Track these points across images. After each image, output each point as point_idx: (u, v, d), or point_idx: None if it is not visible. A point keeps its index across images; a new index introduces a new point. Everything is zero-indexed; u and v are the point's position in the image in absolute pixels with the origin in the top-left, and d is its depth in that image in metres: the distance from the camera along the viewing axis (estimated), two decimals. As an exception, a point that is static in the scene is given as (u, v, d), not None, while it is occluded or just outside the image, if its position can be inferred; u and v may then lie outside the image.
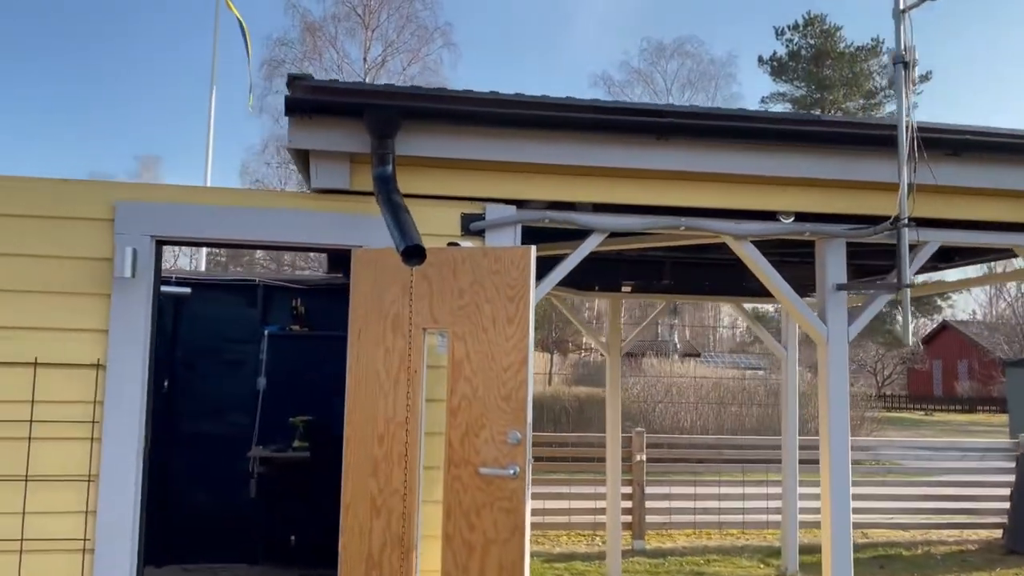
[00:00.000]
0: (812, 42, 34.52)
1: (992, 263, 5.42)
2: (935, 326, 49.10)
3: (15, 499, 3.37)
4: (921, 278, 6.91)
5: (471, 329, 3.50)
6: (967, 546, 8.92)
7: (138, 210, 3.57)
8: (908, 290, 3.81)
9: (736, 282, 7.48)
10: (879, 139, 3.92)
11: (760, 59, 35.83)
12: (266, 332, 6.88)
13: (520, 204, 3.90)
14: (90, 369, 3.47)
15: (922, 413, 34.54)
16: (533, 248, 3.48)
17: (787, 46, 35.27)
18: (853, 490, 8.88)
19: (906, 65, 3.83)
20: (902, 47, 3.86)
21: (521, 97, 3.73)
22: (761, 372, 23.08)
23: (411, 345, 3.58)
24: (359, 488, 3.60)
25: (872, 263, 5.72)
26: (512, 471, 3.40)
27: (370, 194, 3.74)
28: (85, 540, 3.40)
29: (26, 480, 3.38)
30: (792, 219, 4.15)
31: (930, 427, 28.61)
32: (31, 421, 3.40)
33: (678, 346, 34.55)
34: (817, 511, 8.82)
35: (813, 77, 34.07)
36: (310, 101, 3.52)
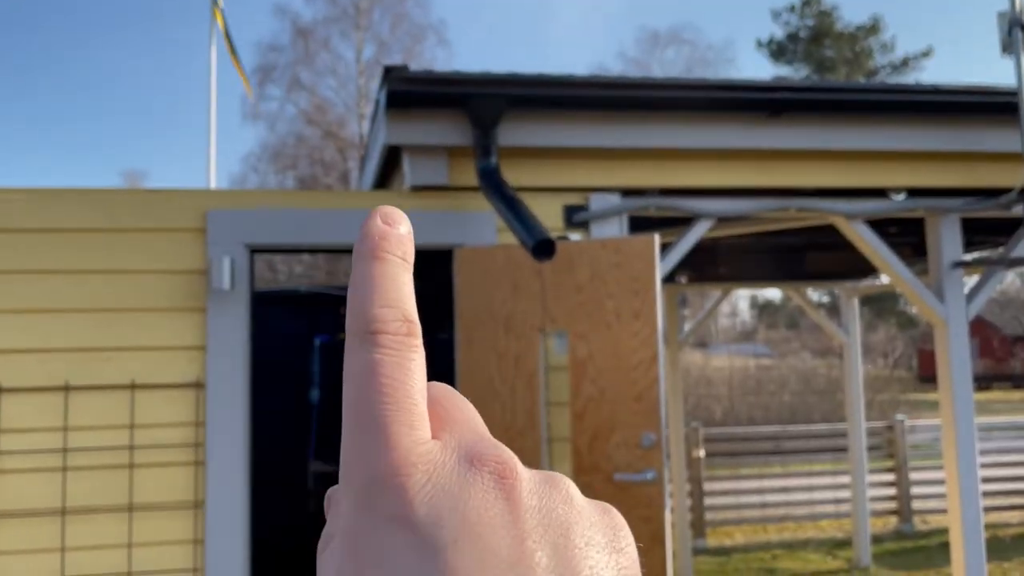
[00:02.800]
0: (810, 23, 34.28)
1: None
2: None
3: (120, 530, 3.14)
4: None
5: (593, 326, 3.28)
6: (1020, 529, 8.74)
7: (231, 218, 3.35)
8: (1042, 264, 3.60)
9: (793, 266, 7.28)
10: (995, 106, 3.71)
11: (759, 42, 35.57)
12: (317, 342, 6.66)
13: (625, 192, 3.69)
14: (189, 389, 3.24)
15: (936, 394, 34.35)
16: (656, 237, 3.26)
17: (785, 28, 35.03)
18: (913, 475, 8.68)
19: (1023, 27, 3.63)
20: (1017, 9, 3.65)
21: (624, 79, 3.54)
22: (768, 360, 22.91)
23: (527, 347, 3.36)
24: (477, 502, 3.38)
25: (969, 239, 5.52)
26: (649, 476, 3.18)
27: (469, 189, 3.53)
28: (195, 571, 3.17)
29: (130, 510, 3.16)
30: (904, 196, 3.94)
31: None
32: (131, 447, 3.18)
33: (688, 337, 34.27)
34: (878, 499, 8.64)
35: (813, 58, 33.83)
36: (409, 93, 3.31)
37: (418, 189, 3.55)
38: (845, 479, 8.23)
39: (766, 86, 3.59)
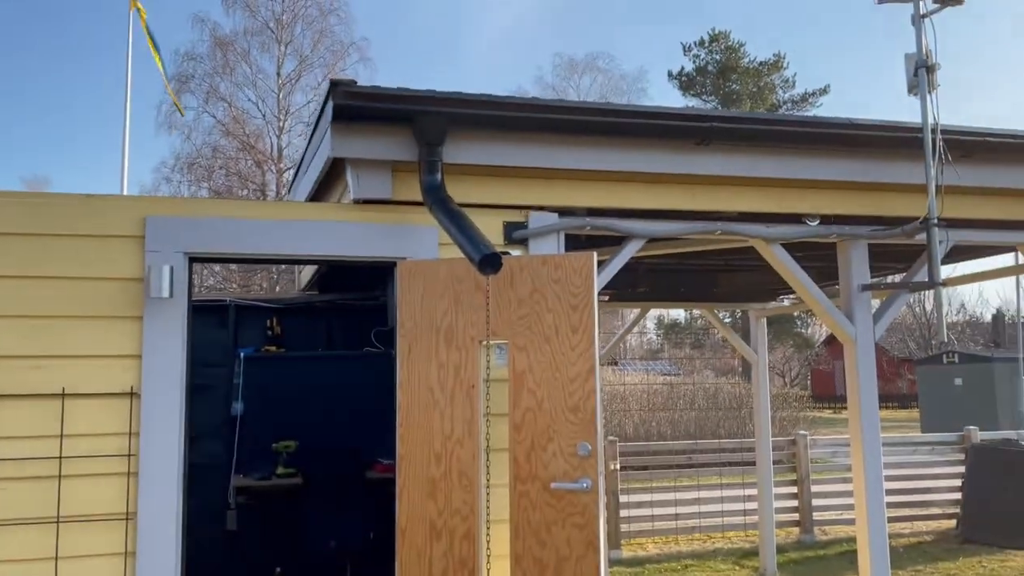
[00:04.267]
0: (718, 58, 35.75)
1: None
2: (836, 328, 51.30)
3: (46, 543, 3.05)
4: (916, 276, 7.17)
5: (533, 340, 3.39)
6: (923, 537, 9.27)
7: (171, 225, 3.32)
8: (941, 287, 3.92)
9: (706, 288, 7.60)
10: (902, 141, 4.03)
11: (669, 74, 36.87)
12: (241, 355, 6.55)
13: (562, 212, 3.83)
14: (123, 398, 3.19)
15: (831, 412, 35.93)
16: (595, 254, 3.40)
17: (694, 61, 36.42)
18: (813, 488, 9.11)
19: (928, 69, 3.96)
20: (923, 52, 3.98)
21: (564, 103, 3.68)
22: (674, 377, 23.63)
23: (467, 359, 3.44)
24: (415, 511, 3.43)
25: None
26: (584, 484, 3.30)
27: (413, 204, 3.60)
28: (126, 584, 3.11)
29: (57, 522, 3.07)
30: (818, 222, 4.22)
31: (843, 424, 29.78)
32: (60, 457, 3.09)
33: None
34: (782, 511, 9.02)
35: (720, 91, 35.27)
36: (356, 107, 3.36)
37: (362, 202, 3.59)
38: (752, 491, 8.56)
39: (695, 115, 3.81)
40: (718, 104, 35.21)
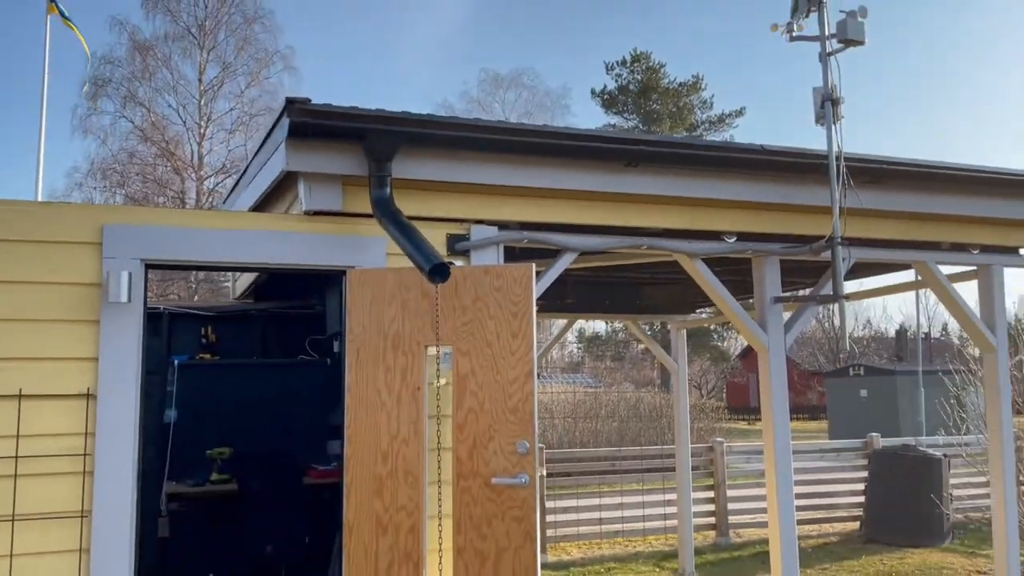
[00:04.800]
0: (639, 77, 36.77)
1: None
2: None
3: (2, 540, 3.12)
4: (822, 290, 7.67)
5: (475, 345, 3.63)
6: (829, 538, 9.84)
7: (127, 233, 3.43)
8: (844, 300, 4.32)
9: (632, 300, 7.97)
10: (810, 167, 4.43)
11: (593, 92, 37.72)
12: (175, 362, 6.57)
13: (501, 225, 4.08)
14: (79, 400, 3.28)
15: (745, 423, 37.14)
16: (533, 266, 3.67)
17: (616, 80, 37.38)
18: (729, 493, 9.57)
19: (834, 102, 4.37)
20: (829, 86, 4.40)
21: (504, 124, 3.94)
22: (594, 389, 24.21)
23: (413, 363, 3.65)
24: (363, 508, 3.61)
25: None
26: (523, 480, 3.54)
27: (362, 216, 3.80)
28: (80, 581, 3.20)
29: (13, 520, 3.14)
30: (735, 239, 4.59)
31: (757, 435, 30.85)
32: (16, 457, 3.17)
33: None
34: (699, 515, 9.45)
35: (641, 110, 36.28)
36: (310, 125, 3.54)
37: (313, 214, 3.77)
38: (672, 496, 8.96)
39: (625, 139, 4.12)
40: (639, 122, 36.21)
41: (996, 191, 4.95)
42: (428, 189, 3.94)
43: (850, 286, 5.23)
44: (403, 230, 3.45)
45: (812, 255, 4.53)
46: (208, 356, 6.69)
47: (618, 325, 36.75)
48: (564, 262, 4.19)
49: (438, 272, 3.25)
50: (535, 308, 3.65)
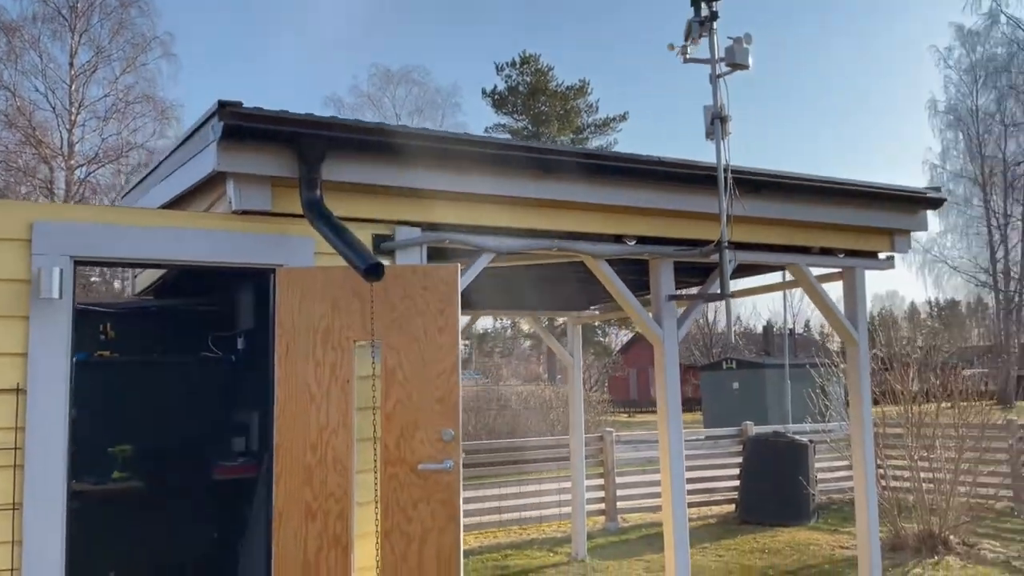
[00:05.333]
0: (528, 79, 37.45)
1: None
2: (630, 337, 55.04)
3: (-69, 537, 3.12)
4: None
5: (404, 340, 3.86)
6: (708, 520, 10.53)
7: (57, 230, 3.47)
8: (730, 298, 4.80)
9: (533, 297, 8.33)
10: (701, 178, 4.88)
11: (483, 91, 38.14)
12: (74, 359, 6.43)
13: (425, 227, 4.31)
14: (10, 395, 3.31)
15: (626, 416, 38.51)
16: (458, 266, 3.93)
17: (506, 81, 37.94)
18: (618, 480, 10.09)
19: (722, 120, 4.84)
20: (717, 105, 4.86)
21: (428, 132, 4.19)
22: (483, 382, 24.74)
23: (343, 357, 3.84)
24: (292, 495, 3.78)
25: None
26: (448, 465, 3.80)
27: (291, 216, 3.95)
28: (12, 571, 3.23)
29: (-57, 515, 3.15)
30: (635, 242, 4.99)
31: (639, 426, 32.06)
32: (-55, 452, 3.18)
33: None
34: (590, 501, 9.93)
35: (530, 111, 36.98)
36: (242, 128, 3.67)
37: (241, 213, 3.89)
38: (567, 484, 9.39)
39: (541, 148, 4.44)
40: (528, 123, 36.89)
41: (857, 202, 5.56)
42: (354, 191, 4.13)
43: (733, 285, 5.72)
44: (336, 231, 3.64)
45: (702, 257, 4.99)
46: (107, 353, 6.58)
47: (507, 322, 37.36)
48: (482, 262, 4.46)
49: (373, 271, 3.46)
50: (460, 306, 3.91)
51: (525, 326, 40.66)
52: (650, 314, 5.07)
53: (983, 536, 8.85)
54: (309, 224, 3.80)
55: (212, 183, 4.11)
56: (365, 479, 3.84)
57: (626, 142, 39.03)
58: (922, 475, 8.72)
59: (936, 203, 5.92)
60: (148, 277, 6.67)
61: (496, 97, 37.70)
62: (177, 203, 4.70)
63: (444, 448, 3.82)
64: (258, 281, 5.87)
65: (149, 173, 5.58)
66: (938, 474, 8.68)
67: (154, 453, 6.38)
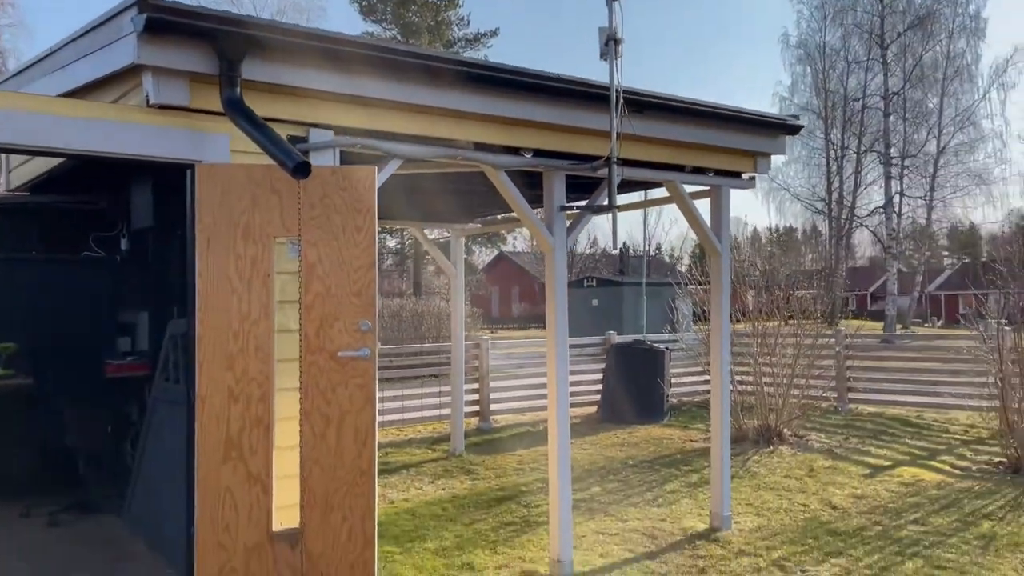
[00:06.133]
0: (398, -13, 36.44)
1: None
2: (493, 256, 56.00)
3: None
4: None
5: (323, 237, 4.08)
6: (573, 420, 11.32)
7: (-27, 113, 3.43)
8: (616, 210, 5.27)
9: (420, 207, 8.57)
10: (594, 96, 5.24)
11: (350, -3, 36.81)
12: (-54, 256, 6.19)
13: (338, 131, 4.47)
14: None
15: (489, 332, 39.55)
16: (375, 169, 4.15)
17: (375, -12, 36.74)
18: (492, 384, 10.69)
19: (616, 42, 5.20)
20: (612, 27, 5.21)
21: (344, 37, 4.30)
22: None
23: (263, 252, 4.02)
24: (214, 380, 3.98)
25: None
26: (365, 353, 4.11)
27: (209, 112, 4.03)
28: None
29: None
30: (531, 155, 5.33)
31: (503, 341, 33.05)
32: None
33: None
34: (465, 404, 10.49)
35: (399, 20, 36.09)
36: (162, 21, 3.69)
37: (158, 107, 3.93)
38: (446, 388, 9.88)
39: (451, 59, 4.64)
40: (398, 33, 36.02)
41: (729, 126, 6.11)
42: (270, 91, 4.22)
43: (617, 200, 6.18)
44: (260, 129, 3.77)
45: (592, 172, 5.41)
46: (-18, 251, 6.36)
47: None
48: (391, 168, 4.68)
49: (301, 169, 3.64)
50: (376, 206, 4.15)
51: (391, 242, 40.60)
52: (544, 224, 5.47)
53: (811, 429, 10.10)
54: (230, 121, 3.89)
55: (124, 76, 4.09)
56: (289, 368, 4.09)
57: (495, 59, 38.94)
58: (763, 379, 9.79)
59: (794, 129, 6.57)
60: (25, 173, 6.43)
61: (364, 4, 36.47)
62: (77, 94, 4.61)
63: (362, 337, 4.12)
64: (159, 179, 5.85)
65: (34, 62, 5.36)
66: (777, 379, 9.78)
67: (39, 352, 6.31)
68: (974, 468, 8.20)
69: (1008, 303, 9.04)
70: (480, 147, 5.08)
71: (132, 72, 3.98)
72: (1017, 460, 7.92)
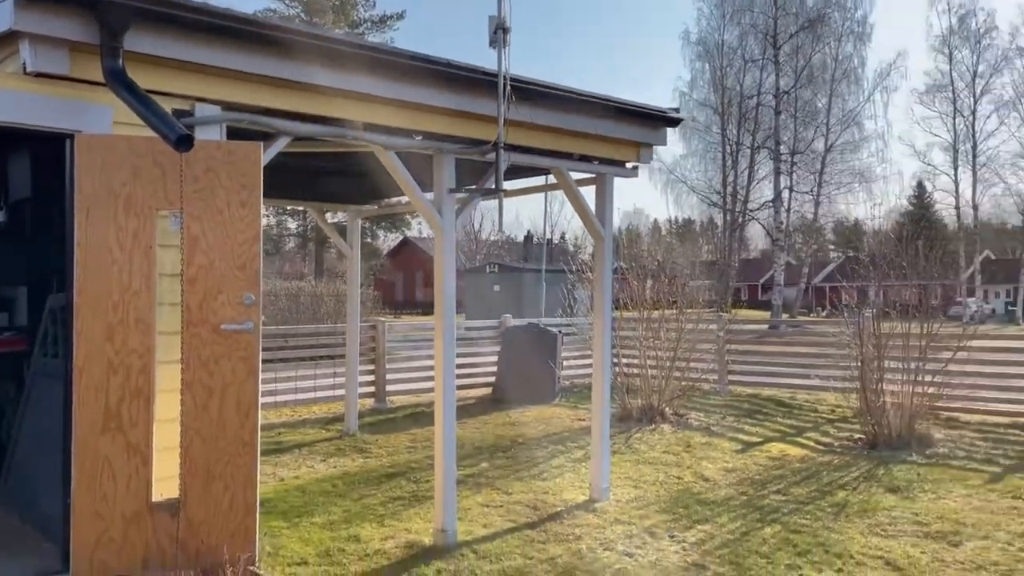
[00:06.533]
0: (304, -36, 35.65)
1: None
2: (398, 241, 55.68)
3: None
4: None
5: (207, 210, 4.12)
6: (467, 402, 11.57)
7: None
8: (503, 194, 5.47)
9: (317, 188, 8.57)
10: (484, 83, 5.42)
11: (252, -29, 35.72)
12: None
13: (225, 106, 4.50)
14: None
15: (392, 316, 39.40)
16: (261, 145, 4.21)
17: (279, -36, 35.83)
18: (388, 365, 10.81)
19: (504, 30, 5.38)
20: (501, 16, 5.40)
21: (230, 13, 4.33)
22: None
23: (145, 224, 4.04)
24: (93, 352, 3.98)
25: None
26: (248, 326, 4.18)
27: (89, 82, 4.01)
28: None
29: None
30: (421, 137, 5.47)
31: (404, 324, 33.01)
32: None
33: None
34: (361, 384, 10.56)
35: (304, -1, 35.38)
36: (43, -14, 3.66)
37: (35, 75, 3.88)
38: (341, 370, 9.92)
39: (344, 41, 4.72)
40: (301, 12, 35.29)
41: (614, 116, 6.40)
42: (155, 64, 4.20)
43: (506, 186, 6.36)
44: (142, 101, 3.79)
45: (480, 156, 5.59)
46: None
47: (272, 220, 36.36)
48: (279, 145, 4.74)
49: (184, 141, 3.68)
50: (262, 181, 4.22)
51: (292, 224, 39.87)
52: (433, 206, 5.62)
53: (692, 409, 10.62)
54: (112, 92, 3.89)
55: (0, 41, 4.02)
56: (172, 340, 4.12)
57: (401, 41, 38.67)
58: (649, 363, 10.24)
59: (675, 122, 6.92)
60: None
61: (267, -21, 35.55)
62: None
63: (246, 311, 4.19)
64: (38, 149, 5.70)
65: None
66: (661, 362, 10.24)
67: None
68: (836, 444, 8.84)
69: (878, 295, 9.75)
70: (371, 128, 5.19)
71: (10, 38, 3.92)
72: (874, 436, 8.58)
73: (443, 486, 5.54)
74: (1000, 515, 6.13)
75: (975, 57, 43.94)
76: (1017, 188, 45.32)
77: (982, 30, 43.89)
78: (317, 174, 7.79)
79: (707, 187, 44.66)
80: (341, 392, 9.91)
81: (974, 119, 44.03)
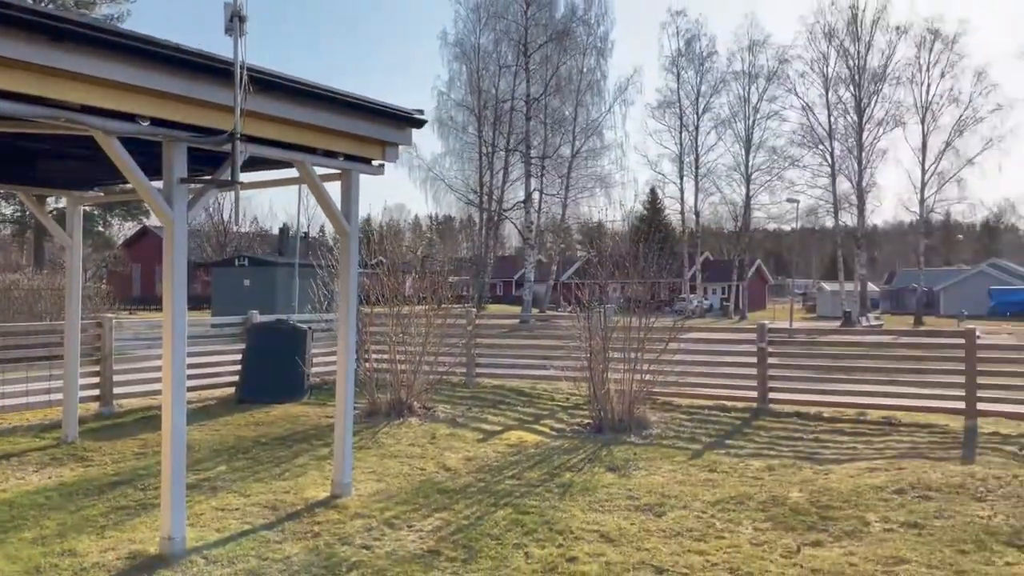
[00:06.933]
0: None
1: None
2: (136, 231, 51.49)
3: None
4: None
5: None
6: (208, 402, 11.05)
7: None
8: (240, 186, 5.32)
9: (23, 170, 7.75)
10: (218, 70, 5.23)
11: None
12: None
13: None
14: None
15: (127, 313, 36.42)
16: (-49, 123, 3.77)
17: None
18: (116, 366, 10.10)
19: (241, 19, 5.23)
20: (237, 4, 5.24)
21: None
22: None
23: None
24: None
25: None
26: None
27: None
28: None
29: None
30: (148, 123, 5.17)
31: (140, 322, 30.64)
32: None
33: None
34: (84, 387, 9.71)
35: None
36: None
37: None
38: (58, 371, 9.06)
39: (50, 15, 4.32)
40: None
41: (358, 113, 6.43)
42: None
43: (246, 177, 6.16)
44: None
45: (215, 146, 5.38)
46: None
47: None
48: (-24, 123, 4.27)
49: None
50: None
51: (7, 209, 35.51)
52: (162, 196, 5.33)
53: (440, 402, 10.93)
54: None
55: None
56: None
57: (140, 15, 35.81)
58: (398, 358, 10.38)
59: (418, 123, 7.07)
60: None
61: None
62: None
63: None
64: None
65: None
66: (411, 356, 10.43)
67: None
68: (568, 429, 9.52)
69: (612, 292, 10.59)
70: (91, 111, 4.82)
71: None
72: (600, 421, 9.35)
73: (171, 490, 5.29)
74: (698, 487, 6.95)
75: (699, 78, 49.05)
76: (731, 197, 51.30)
77: (705, 54, 49.08)
78: (30, 155, 7.06)
79: (464, 186, 45.83)
80: (59, 396, 9.05)
81: (697, 134, 49.19)
